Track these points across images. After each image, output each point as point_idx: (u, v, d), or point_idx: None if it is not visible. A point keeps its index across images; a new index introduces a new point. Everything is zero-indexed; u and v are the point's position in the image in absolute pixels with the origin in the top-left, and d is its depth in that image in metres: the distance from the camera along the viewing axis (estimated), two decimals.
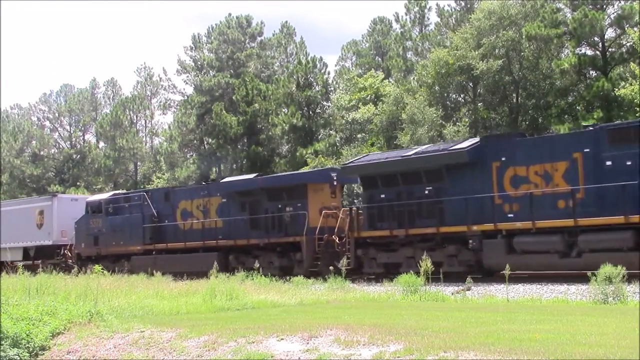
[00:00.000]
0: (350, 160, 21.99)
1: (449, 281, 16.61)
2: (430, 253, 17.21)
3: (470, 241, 16.89)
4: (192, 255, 23.34)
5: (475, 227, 16.81)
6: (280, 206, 21.79)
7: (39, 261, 29.70)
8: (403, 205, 18.41)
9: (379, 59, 49.80)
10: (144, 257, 25.09)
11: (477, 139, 18.48)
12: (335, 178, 21.87)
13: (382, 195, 19.08)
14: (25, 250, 31.22)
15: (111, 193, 30.84)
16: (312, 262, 20.13)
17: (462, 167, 17.40)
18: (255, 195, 22.47)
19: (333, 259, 19.44)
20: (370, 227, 19.24)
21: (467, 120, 32.83)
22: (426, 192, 18.05)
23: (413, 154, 18.85)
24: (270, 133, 44.43)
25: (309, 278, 19.07)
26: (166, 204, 25.38)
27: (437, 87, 34.54)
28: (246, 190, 22.81)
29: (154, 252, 25.07)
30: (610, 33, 31.12)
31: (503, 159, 16.82)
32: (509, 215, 16.48)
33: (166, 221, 25.17)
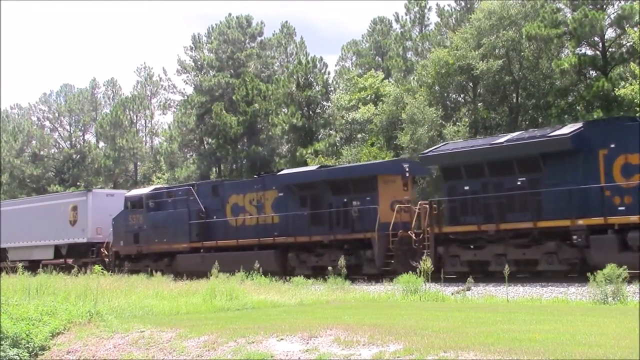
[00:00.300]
0: (430, 150, 20.06)
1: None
2: (525, 250, 16.15)
3: (575, 237, 15.18)
4: (246, 254, 21.64)
5: (580, 222, 15.13)
6: (346, 200, 20.17)
7: (71, 260, 28.24)
8: (491, 198, 16.81)
9: (379, 59, 49.79)
10: (191, 256, 23.71)
11: (579, 124, 16.60)
12: (407, 169, 20.19)
13: (466, 187, 17.48)
14: (57, 249, 29.89)
15: (152, 187, 29.11)
16: (384, 260, 18.70)
17: (563, 155, 15.90)
18: (317, 188, 20.91)
19: (408, 257, 18.10)
20: (451, 222, 17.73)
21: (467, 120, 32.83)
22: (518, 183, 16.44)
23: (505, 141, 17.19)
24: (270, 133, 44.47)
25: (381, 278, 18.16)
26: (214, 198, 23.83)
27: (437, 87, 34.54)
28: (307, 183, 21.24)
29: (201, 250, 23.61)
30: (610, 33, 31.14)
31: (612, 145, 15.18)
32: (620, 209, 14.87)
33: (215, 217, 23.56)
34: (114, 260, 26.28)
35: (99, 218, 28.27)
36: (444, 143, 21.15)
